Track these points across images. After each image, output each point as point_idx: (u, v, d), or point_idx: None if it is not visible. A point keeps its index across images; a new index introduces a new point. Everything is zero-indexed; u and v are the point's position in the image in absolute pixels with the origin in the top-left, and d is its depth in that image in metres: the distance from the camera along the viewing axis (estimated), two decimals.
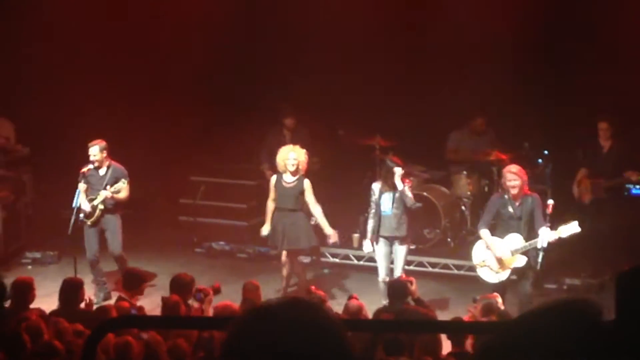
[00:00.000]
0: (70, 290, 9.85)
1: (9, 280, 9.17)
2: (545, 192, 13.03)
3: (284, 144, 13.36)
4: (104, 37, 15.57)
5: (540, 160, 13.69)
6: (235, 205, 15.25)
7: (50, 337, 7.78)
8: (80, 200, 12.14)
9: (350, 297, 9.77)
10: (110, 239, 12.39)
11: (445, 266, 13.61)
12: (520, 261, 10.99)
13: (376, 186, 11.85)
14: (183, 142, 16.08)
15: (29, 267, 13.70)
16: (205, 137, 16.16)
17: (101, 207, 12.17)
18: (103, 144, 12.22)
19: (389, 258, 11.85)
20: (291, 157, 12.10)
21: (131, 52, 15.79)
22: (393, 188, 11.64)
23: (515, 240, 11.00)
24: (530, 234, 10.97)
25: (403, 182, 11.66)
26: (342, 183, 15.33)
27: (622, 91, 13.68)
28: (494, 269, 11.17)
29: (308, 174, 13.88)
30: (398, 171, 11.58)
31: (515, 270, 11.10)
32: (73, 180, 12.29)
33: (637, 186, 13.07)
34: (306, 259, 13.91)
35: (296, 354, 1.84)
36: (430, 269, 13.53)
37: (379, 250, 11.85)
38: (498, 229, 11.23)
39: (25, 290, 9.35)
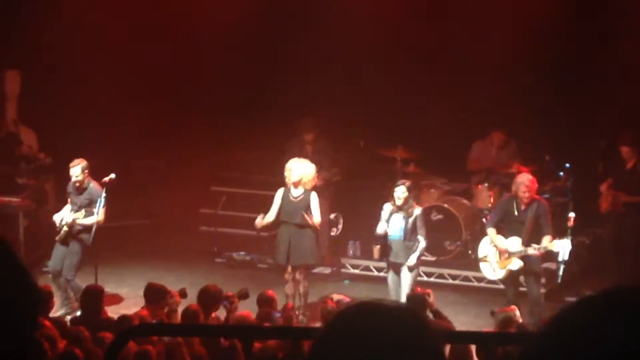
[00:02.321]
0: (91, 298, 9.87)
1: None
2: (566, 205, 12.98)
3: (306, 156, 13.36)
4: (127, 48, 15.63)
5: (561, 173, 13.66)
6: (256, 216, 15.19)
7: (70, 345, 7.79)
8: (57, 215, 12.23)
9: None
10: (67, 262, 12.16)
11: (466, 278, 13.57)
12: (515, 264, 11.20)
13: (387, 207, 11.56)
14: (204, 153, 16.13)
15: (50, 275, 13.73)
16: (227, 147, 16.19)
17: (66, 228, 12.07)
18: (84, 163, 12.08)
19: (398, 285, 11.53)
20: (295, 168, 11.79)
21: (153, 63, 15.84)
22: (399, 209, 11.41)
23: (514, 243, 11.22)
24: (531, 239, 11.10)
25: (416, 206, 11.54)
26: (363, 195, 15.30)
27: None
28: (493, 266, 11.47)
29: (329, 185, 13.83)
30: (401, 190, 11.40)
31: (517, 276, 11.39)
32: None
33: None
34: (327, 270, 13.89)
35: None
36: (450, 281, 13.50)
37: (389, 277, 11.66)
38: (504, 230, 11.44)
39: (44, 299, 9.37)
